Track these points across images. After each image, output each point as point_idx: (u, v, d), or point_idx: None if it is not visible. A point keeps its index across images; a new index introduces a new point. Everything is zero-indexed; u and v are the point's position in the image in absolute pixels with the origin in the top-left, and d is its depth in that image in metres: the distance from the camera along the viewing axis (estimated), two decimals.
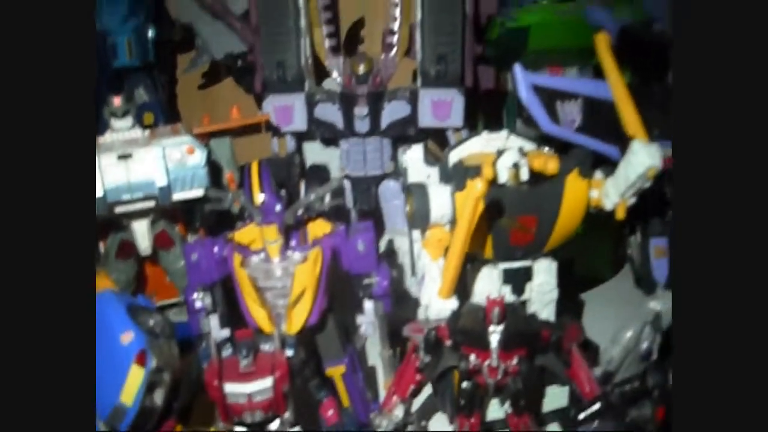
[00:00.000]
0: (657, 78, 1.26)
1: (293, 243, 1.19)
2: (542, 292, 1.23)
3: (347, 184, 1.45)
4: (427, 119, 1.40)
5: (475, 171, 1.13)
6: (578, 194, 1.15)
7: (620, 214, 1.12)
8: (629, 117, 1.09)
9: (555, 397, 1.24)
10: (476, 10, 1.45)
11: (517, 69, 1.18)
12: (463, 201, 1.06)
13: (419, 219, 1.16)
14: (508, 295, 1.22)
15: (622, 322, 1.20)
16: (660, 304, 1.16)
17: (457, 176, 1.12)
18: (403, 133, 1.42)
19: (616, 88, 1.12)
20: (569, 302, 1.40)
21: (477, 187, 1.02)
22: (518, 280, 1.22)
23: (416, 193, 1.16)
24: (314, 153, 1.57)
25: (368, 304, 1.22)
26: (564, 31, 1.49)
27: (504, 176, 1.15)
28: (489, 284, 1.22)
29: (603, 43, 1.15)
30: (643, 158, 1.05)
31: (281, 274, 1.15)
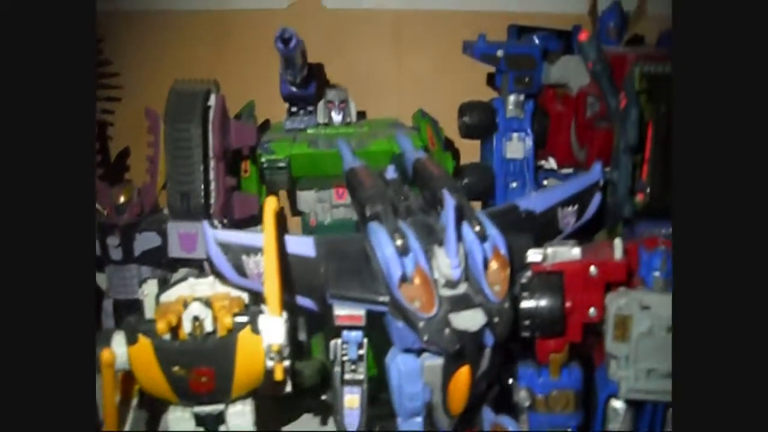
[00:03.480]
0: None
1: None
2: None
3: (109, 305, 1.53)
4: (175, 250, 1.46)
5: (146, 325, 1.19)
6: (253, 349, 1.19)
7: (278, 375, 1.15)
8: (268, 289, 1.12)
9: None
10: (222, 145, 1.48)
11: (204, 226, 1.21)
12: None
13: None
14: None
15: None
16: None
17: (127, 330, 1.18)
18: (157, 261, 1.48)
19: (266, 256, 1.14)
20: None
21: (104, 355, 1.08)
22: (210, 423, 1.26)
23: (100, 337, 1.21)
24: None
25: None
26: (323, 161, 1.53)
27: (188, 327, 1.21)
28: (182, 425, 1.27)
29: (269, 208, 1.18)
30: (265, 333, 1.09)
31: None
